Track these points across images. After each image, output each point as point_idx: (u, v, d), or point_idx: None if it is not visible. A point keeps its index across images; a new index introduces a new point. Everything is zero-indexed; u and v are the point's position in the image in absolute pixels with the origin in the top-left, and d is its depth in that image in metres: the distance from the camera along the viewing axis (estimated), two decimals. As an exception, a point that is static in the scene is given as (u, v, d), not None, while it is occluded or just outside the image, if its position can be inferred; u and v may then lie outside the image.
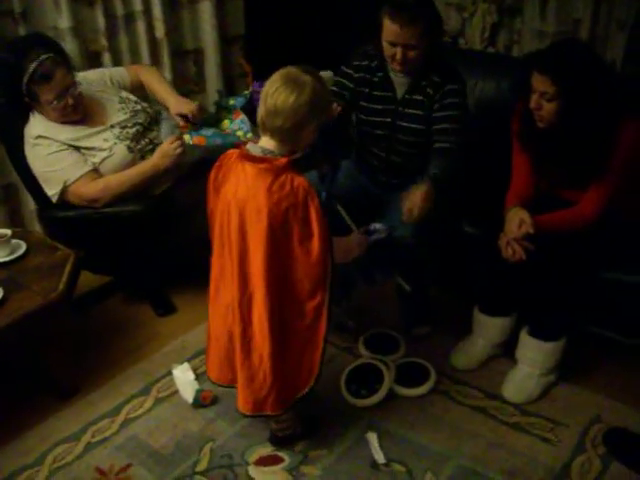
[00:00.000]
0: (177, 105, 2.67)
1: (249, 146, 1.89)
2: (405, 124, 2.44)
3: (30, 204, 2.88)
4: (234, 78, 3.58)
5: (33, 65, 2.30)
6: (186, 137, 2.56)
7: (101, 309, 2.85)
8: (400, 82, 2.42)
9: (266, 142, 1.86)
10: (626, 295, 2.31)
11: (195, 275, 2.87)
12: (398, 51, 2.28)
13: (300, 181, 1.81)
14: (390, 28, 2.24)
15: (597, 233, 2.22)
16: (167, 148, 2.46)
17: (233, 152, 1.93)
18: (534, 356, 2.34)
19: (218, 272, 2.01)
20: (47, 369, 2.37)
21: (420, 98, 2.40)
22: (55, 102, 2.36)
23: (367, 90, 2.47)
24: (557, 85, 2.08)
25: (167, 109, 2.70)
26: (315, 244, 1.82)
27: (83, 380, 2.44)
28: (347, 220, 2.30)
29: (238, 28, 3.52)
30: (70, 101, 2.40)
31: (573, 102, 2.10)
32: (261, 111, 1.83)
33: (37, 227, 2.87)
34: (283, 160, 1.82)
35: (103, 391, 2.41)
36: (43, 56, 2.32)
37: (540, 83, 2.11)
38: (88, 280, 2.77)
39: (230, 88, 3.47)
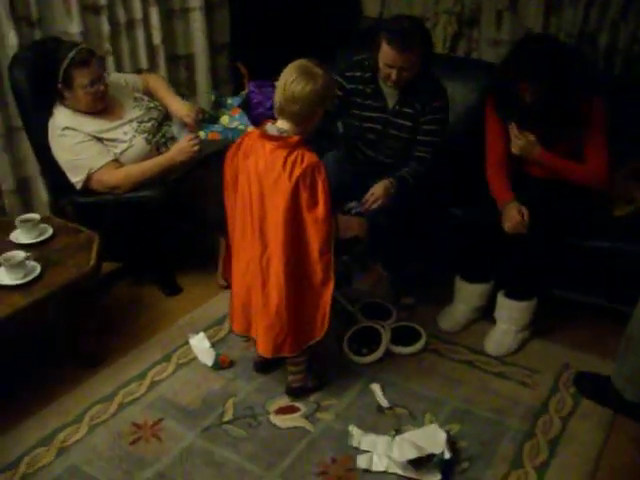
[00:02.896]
0: (180, 108, 2.93)
1: (267, 127, 2.18)
2: (394, 132, 2.74)
3: (43, 195, 3.09)
4: (221, 82, 3.85)
5: (73, 52, 2.58)
6: (201, 133, 2.83)
7: (111, 293, 3.05)
8: (391, 94, 2.70)
9: (282, 124, 2.16)
10: (586, 259, 2.68)
11: (198, 258, 3.16)
12: (393, 72, 2.56)
13: (310, 156, 2.11)
14: (387, 52, 2.52)
15: (564, 204, 2.58)
16: (185, 144, 2.73)
17: (253, 131, 2.22)
18: (510, 314, 2.68)
19: (240, 235, 2.28)
20: (75, 340, 2.58)
21: (409, 111, 2.69)
22: (89, 87, 2.61)
23: (360, 100, 2.74)
24: (538, 87, 2.47)
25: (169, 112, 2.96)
26: (320, 209, 2.12)
27: (105, 352, 2.65)
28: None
29: (224, 36, 3.80)
30: (101, 87, 2.67)
31: (554, 98, 2.49)
32: (279, 98, 2.12)
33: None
34: (296, 138, 2.12)
35: (126, 360, 2.63)
36: (80, 46, 2.64)
37: (524, 85, 2.49)
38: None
39: (218, 91, 3.74)
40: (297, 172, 2.08)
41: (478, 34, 3.97)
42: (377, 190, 2.60)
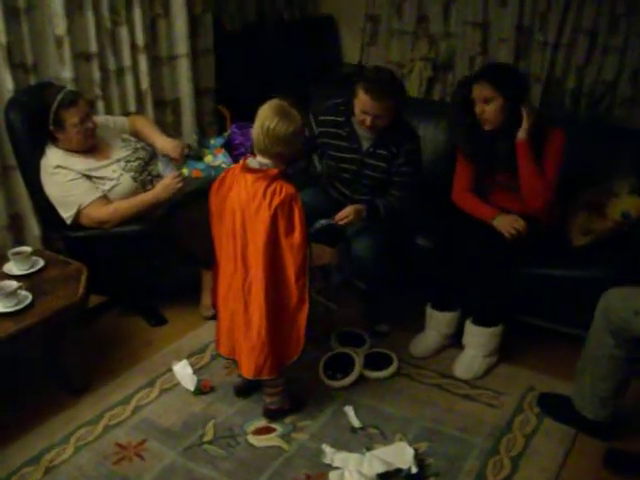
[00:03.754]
0: (164, 144, 3.12)
1: (249, 161, 2.36)
2: (369, 172, 2.93)
3: (34, 231, 3.24)
4: (205, 124, 4.05)
5: (60, 95, 2.78)
6: (185, 170, 3.00)
7: (97, 324, 3.17)
8: (365, 137, 2.90)
9: (262, 159, 2.33)
10: (545, 287, 2.85)
11: (182, 291, 3.30)
12: (368, 119, 2.75)
13: (288, 187, 2.29)
14: (363, 99, 2.72)
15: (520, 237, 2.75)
16: (169, 182, 2.90)
17: (236, 166, 2.40)
18: (478, 340, 2.83)
19: (225, 262, 2.44)
20: (64, 366, 2.70)
21: (384, 152, 2.88)
22: (80, 125, 2.80)
23: (335, 142, 2.94)
24: (493, 85, 2.66)
25: (155, 149, 3.15)
26: (297, 235, 2.28)
27: (91, 379, 2.77)
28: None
29: (209, 81, 4.01)
30: (90, 125, 2.85)
31: (509, 97, 2.67)
32: (261, 139, 2.28)
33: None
34: (275, 170, 2.30)
35: (112, 386, 2.75)
36: (66, 89, 2.86)
37: (479, 91, 2.70)
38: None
39: (202, 133, 3.94)
40: (276, 201, 2.25)
41: (452, 78, 4.22)
42: (348, 209, 2.79)
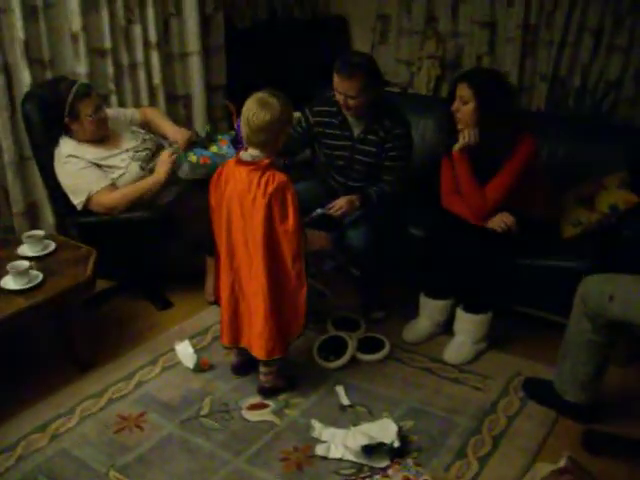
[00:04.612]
0: (174, 133, 3.28)
1: (241, 154, 2.50)
2: (360, 157, 3.06)
3: (49, 218, 3.42)
4: (216, 120, 4.20)
5: (75, 87, 2.97)
6: (193, 157, 3.14)
7: (105, 306, 3.33)
8: (356, 124, 3.04)
9: (253, 151, 2.46)
10: (532, 276, 2.94)
11: (187, 275, 3.45)
12: (341, 98, 2.93)
13: (280, 175, 2.42)
14: (335, 79, 2.90)
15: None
16: (164, 158, 3.08)
17: (231, 160, 2.54)
18: (467, 327, 2.93)
19: (225, 254, 2.58)
20: (71, 343, 2.87)
21: (374, 138, 3.01)
22: (93, 115, 2.97)
23: (329, 130, 3.09)
24: (471, 87, 2.77)
25: (167, 137, 3.31)
26: (291, 221, 2.41)
27: (97, 356, 2.93)
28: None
29: (220, 78, 4.16)
30: (103, 115, 3.03)
31: (483, 103, 2.77)
32: (246, 131, 2.42)
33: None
34: (266, 161, 2.42)
35: (116, 364, 2.90)
36: (79, 82, 3.05)
37: (460, 90, 2.81)
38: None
39: (214, 127, 4.08)
40: (270, 189, 2.39)
41: (460, 76, 4.32)
42: (341, 200, 2.94)
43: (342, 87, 2.88)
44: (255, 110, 2.37)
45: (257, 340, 2.56)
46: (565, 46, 3.90)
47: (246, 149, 2.49)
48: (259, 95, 2.42)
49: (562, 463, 2.04)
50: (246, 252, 2.50)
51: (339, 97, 2.92)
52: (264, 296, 2.48)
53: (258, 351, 2.58)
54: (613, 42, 3.76)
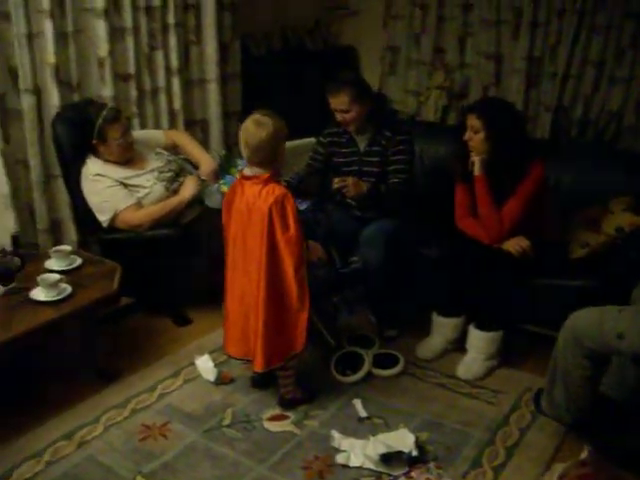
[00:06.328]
0: (206, 167, 3.40)
1: (245, 171, 2.63)
2: (367, 169, 3.28)
3: (72, 235, 3.51)
4: (231, 145, 4.33)
5: (104, 111, 3.10)
6: (224, 187, 3.23)
7: (127, 322, 3.43)
8: (361, 139, 3.30)
9: (254, 167, 2.58)
10: (543, 296, 3.06)
11: (206, 292, 3.54)
12: (339, 115, 3.18)
13: (279, 188, 2.54)
14: (328, 99, 3.17)
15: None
16: (190, 183, 3.24)
17: (238, 179, 2.67)
18: (479, 344, 3.03)
19: (232, 267, 2.68)
20: (96, 356, 2.95)
21: (378, 149, 3.26)
22: (120, 139, 3.10)
23: (339, 149, 3.34)
24: (480, 118, 2.91)
25: (199, 166, 3.43)
26: (292, 232, 2.52)
27: (121, 369, 3.01)
28: (334, 255, 3.09)
29: (236, 105, 4.30)
30: (129, 139, 3.16)
31: (493, 132, 2.91)
32: (246, 152, 2.55)
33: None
34: (266, 175, 2.54)
35: (139, 376, 2.99)
36: (108, 106, 3.18)
37: (470, 121, 2.95)
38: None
39: (229, 151, 4.21)
40: (270, 200, 2.50)
41: (466, 106, 4.46)
42: (350, 179, 3.11)
43: (334, 104, 3.14)
44: (252, 130, 2.50)
45: (260, 352, 2.60)
46: (568, 78, 4.06)
47: (249, 166, 2.62)
48: (254, 117, 2.54)
49: (583, 456, 2.10)
50: (254, 265, 2.58)
51: (338, 116, 3.17)
52: (265, 306, 2.55)
53: (258, 364, 2.62)
54: (614, 74, 3.92)
